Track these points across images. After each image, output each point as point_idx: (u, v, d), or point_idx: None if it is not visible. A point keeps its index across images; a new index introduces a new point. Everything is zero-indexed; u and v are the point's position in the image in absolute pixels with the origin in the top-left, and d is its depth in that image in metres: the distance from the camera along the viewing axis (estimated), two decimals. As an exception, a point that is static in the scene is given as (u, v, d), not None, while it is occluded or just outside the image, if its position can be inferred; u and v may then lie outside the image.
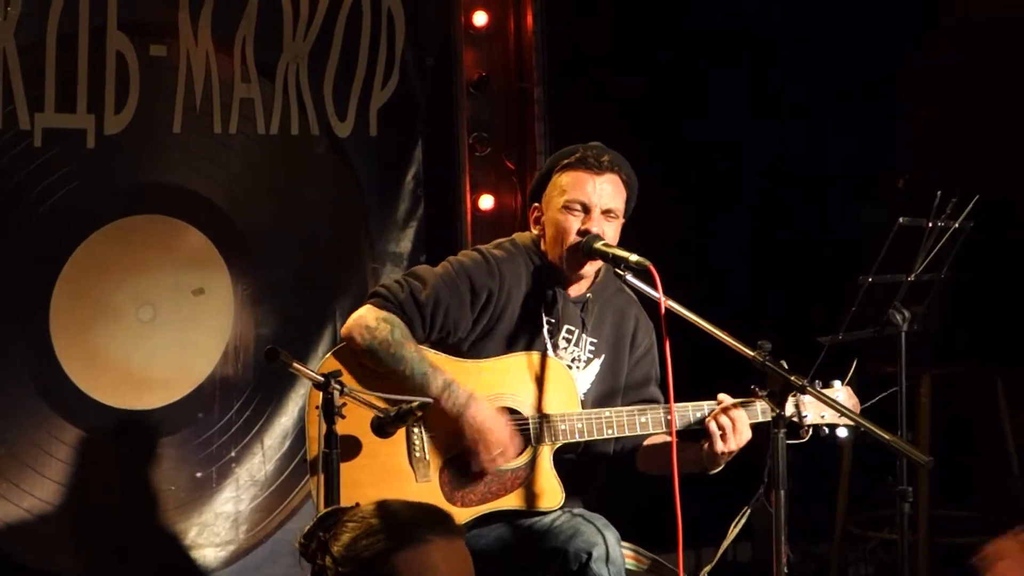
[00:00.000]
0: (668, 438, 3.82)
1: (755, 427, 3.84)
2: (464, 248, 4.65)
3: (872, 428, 3.36)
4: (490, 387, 3.90)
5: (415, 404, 3.54)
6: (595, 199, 3.91)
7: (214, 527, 4.99)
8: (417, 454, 3.82)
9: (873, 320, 4.71)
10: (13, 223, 4.59)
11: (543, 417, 3.88)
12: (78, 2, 4.63)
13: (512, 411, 3.90)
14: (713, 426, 3.80)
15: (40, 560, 4.67)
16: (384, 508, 2.43)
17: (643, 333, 4.13)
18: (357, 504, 2.49)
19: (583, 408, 3.96)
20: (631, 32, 5.97)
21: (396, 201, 5.38)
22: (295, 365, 3.44)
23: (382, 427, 3.62)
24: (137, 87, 4.76)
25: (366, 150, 5.30)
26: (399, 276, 4.02)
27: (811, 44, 6.28)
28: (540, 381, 3.91)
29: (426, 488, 3.81)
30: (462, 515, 3.82)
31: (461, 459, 3.84)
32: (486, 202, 5.57)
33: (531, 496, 3.90)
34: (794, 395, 3.46)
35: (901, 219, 4.63)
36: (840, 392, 3.99)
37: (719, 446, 3.79)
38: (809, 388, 3.45)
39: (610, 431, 3.89)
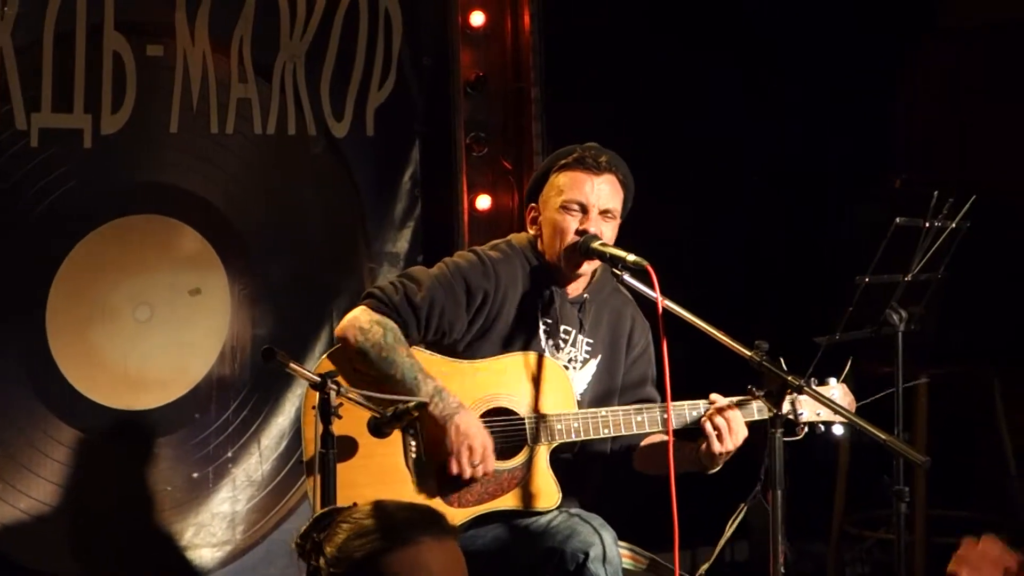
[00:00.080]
0: (665, 438, 3.82)
1: (751, 425, 3.85)
2: (461, 248, 4.66)
3: (869, 428, 3.36)
4: (486, 387, 3.90)
5: (411, 404, 3.54)
6: (593, 199, 3.91)
7: (211, 527, 4.98)
8: (413, 455, 3.82)
9: (870, 320, 4.70)
10: (10, 223, 4.59)
11: (539, 417, 3.89)
12: (75, 2, 4.62)
13: (508, 411, 3.90)
14: (709, 427, 3.81)
15: (37, 560, 4.66)
16: (378, 509, 2.43)
17: (639, 333, 4.13)
18: (354, 504, 2.49)
19: (580, 408, 3.95)
20: (628, 32, 5.97)
21: (393, 201, 5.38)
22: (292, 365, 3.43)
23: (378, 427, 3.61)
24: (134, 87, 4.76)
25: (363, 150, 5.30)
26: (394, 277, 4.02)
27: (809, 44, 6.27)
28: (536, 381, 3.91)
29: (422, 489, 3.81)
30: (459, 516, 3.82)
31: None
32: (483, 202, 5.57)
33: (528, 496, 3.90)
34: (790, 394, 3.46)
35: (898, 219, 4.62)
36: (836, 389, 4.00)
37: (716, 446, 3.80)
38: (806, 388, 3.45)
39: (606, 431, 3.89)
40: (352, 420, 3.59)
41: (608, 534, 3.82)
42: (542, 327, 3.97)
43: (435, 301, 3.87)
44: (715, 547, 4.50)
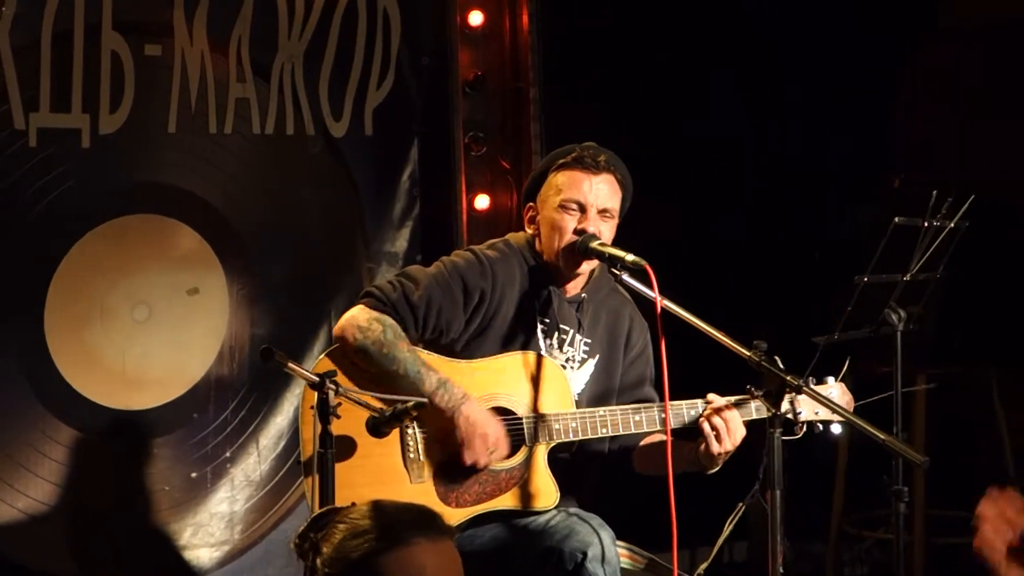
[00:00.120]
0: (664, 438, 3.82)
1: (750, 425, 3.85)
2: (460, 248, 4.65)
3: (867, 427, 3.35)
4: (484, 387, 3.90)
5: (410, 404, 3.53)
6: (591, 199, 3.91)
7: (209, 527, 4.98)
8: (411, 455, 3.82)
9: (869, 320, 4.71)
10: (8, 223, 4.58)
11: (538, 417, 3.88)
12: (73, 1, 4.62)
13: (506, 411, 3.90)
14: (707, 427, 3.81)
15: (35, 560, 4.66)
16: (375, 509, 2.43)
17: (638, 333, 4.13)
18: (353, 504, 2.49)
19: (578, 408, 3.95)
20: (627, 32, 5.97)
21: (392, 201, 5.38)
22: (290, 365, 3.43)
23: (377, 427, 3.61)
24: (132, 87, 4.76)
25: (362, 150, 5.29)
26: (392, 276, 4.02)
27: (809, 44, 6.28)
28: (534, 381, 3.90)
29: (420, 489, 3.80)
30: (457, 515, 3.82)
31: (454, 458, 3.84)
32: (482, 202, 5.57)
33: (526, 496, 3.90)
34: (789, 393, 3.46)
35: (897, 219, 4.63)
36: (834, 389, 4.00)
37: (714, 447, 3.80)
38: (805, 388, 3.45)
39: (604, 430, 3.89)
40: (350, 420, 3.59)
41: (606, 534, 3.82)
42: (540, 327, 3.97)
43: (432, 300, 3.87)
44: (714, 547, 4.50)
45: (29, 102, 4.57)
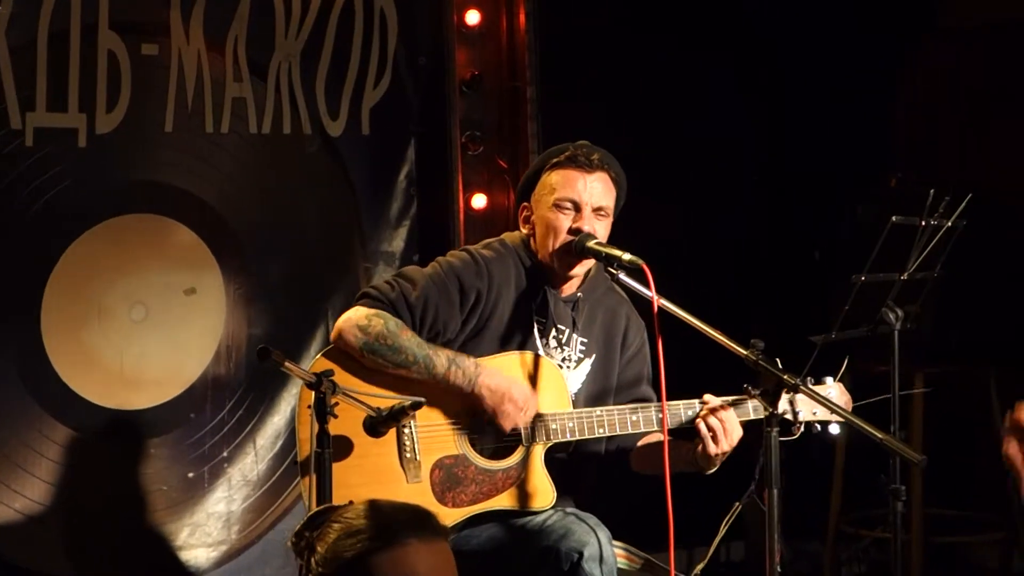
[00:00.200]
0: (662, 437, 3.82)
1: (748, 425, 3.84)
2: (457, 247, 4.65)
3: (865, 427, 3.35)
4: (482, 386, 3.90)
5: (408, 403, 3.53)
6: (586, 197, 3.90)
7: (206, 527, 4.98)
8: (408, 454, 3.81)
9: (866, 319, 4.70)
10: (5, 223, 4.58)
11: (535, 416, 3.88)
12: (69, 1, 4.61)
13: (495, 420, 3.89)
14: (703, 428, 3.80)
15: (31, 560, 4.65)
16: (370, 509, 2.43)
17: (634, 332, 4.12)
18: (350, 503, 2.49)
19: (574, 408, 3.95)
20: (625, 31, 5.97)
21: (389, 200, 5.38)
22: (287, 364, 3.42)
23: (374, 427, 3.61)
24: (129, 86, 4.75)
25: (358, 149, 5.29)
26: (389, 277, 4.02)
27: (809, 44, 6.27)
28: (531, 380, 3.90)
29: (417, 489, 3.80)
30: (453, 515, 3.82)
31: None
32: (479, 201, 5.57)
33: (523, 496, 3.90)
34: (787, 392, 3.46)
35: (894, 218, 4.62)
36: (832, 389, 4.00)
37: (711, 448, 3.79)
38: (802, 387, 3.45)
39: (601, 430, 3.89)
40: (347, 420, 3.59)
41: (603, 533, 3.81)
42: (536, 326, 3.96)
43: (429, 300, 3.87)
44: (710, 547, 4.49)
45: (25, 102, 4.56)
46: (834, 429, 3.95)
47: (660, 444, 3.83)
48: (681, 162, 6.01)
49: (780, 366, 3.44)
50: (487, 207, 5.58)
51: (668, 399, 3.76)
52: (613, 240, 3.93)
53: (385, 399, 3.59)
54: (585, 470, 4.09)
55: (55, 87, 4.61)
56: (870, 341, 4.74)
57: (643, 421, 3.90)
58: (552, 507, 3.91)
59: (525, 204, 4.03)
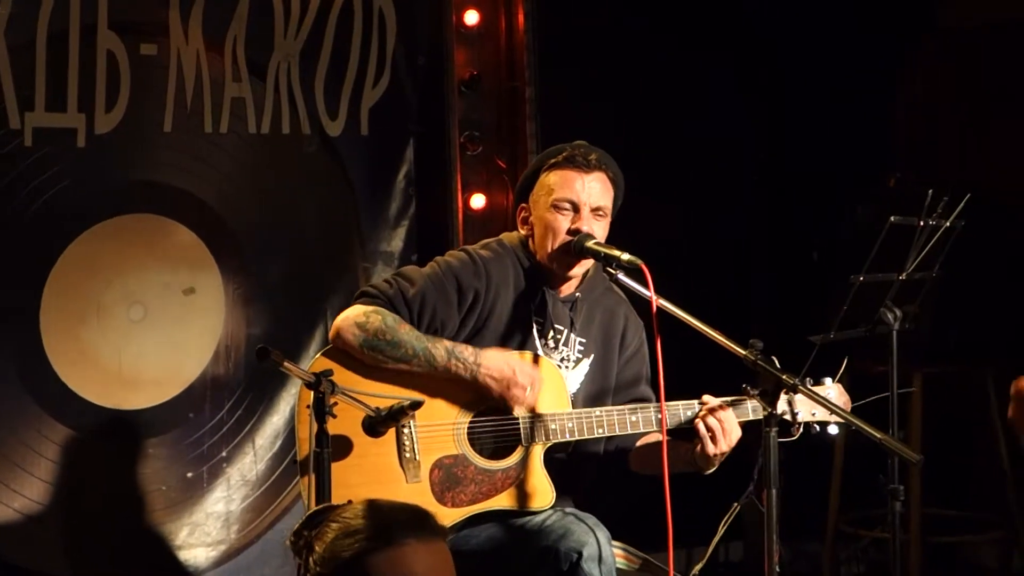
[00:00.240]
0: (661, 437, 3.82)
1: (746, 425, 3.84)
2: (455, 247, 4.65)
3: (863, 426, 3.35)
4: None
5: (407, 403, 3.53)
6: (584, 197, 3.90)
7: (205, 527, 4.98)
8: (407, 454, 3.81)
9: (864, 319, 4.71)
10: (4, 222, 4.58)
11: (534, 417, 3.88)
12: (68, 1, 4.61)
13: (503, 410, 3.89)
14: (702, 428, 3.80)
15: (30, 560, 4.65)
16: (368, 509, 2.43)
17: (632, 332, 4.12)
18: (348, 502, 2.49)
19: (573, 408, 3.95)
20: (624, 31, 5.97)
21: (387, 200, 5.38)
22: (286, 364, 3.42)
23: (373, 426, 3.61)
24: (128, 86, 4.76)
25: (357, 149, 5.29)
26: (387, 276, 4.02)
27: (809, 44, 6.27)
28: (531, 380, 3.91)
29: (416, 488, 3.80)
30: (452, 515, 3.82)
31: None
32: (477, 201, 5.56)
33: (522, 496, 3.90)
34: (786, 393, 3.46)
35: (892, 218, 4.63)
36: (831, 389, 4.00)
37: (710, 448, 3.79)
38: (801, 387, 3.45)
39: (600, 430, 3.89)
40: (347, 419, 3.59)
41: (602, 533, 3.81)
42: (535, 327, 3.96)
43: (427, 298, 3.87)
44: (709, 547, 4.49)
45: (25, 101, 4.56)
46: (832, 429, 3.95)
47: (659, 444, 3.83)
48: (681, 162, 6.00)
49: (778, 366, 3.44)
50: (486, 207, 5.58)
51: (667, 399, 3.76)
52: (612, 240, 3.93)
53: (384, 399, 3.59)
54: (584, 470, 4.09)
55: (54, 87, 4.61)
56: (868, 341, 4.75)
57: (642, 421, 3.90)
58: (551, 507, 3.91)
59: (523, 205, 4.03)
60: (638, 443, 4.06)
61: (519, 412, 3.88)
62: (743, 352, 3.44)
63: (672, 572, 3.70)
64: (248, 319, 5.07)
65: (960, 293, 5.44)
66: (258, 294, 5.09)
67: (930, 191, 4.64)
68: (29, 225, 4.62)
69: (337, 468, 3.50)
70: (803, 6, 6.22)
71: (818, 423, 3.92)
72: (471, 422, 3.89)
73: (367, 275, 5.28)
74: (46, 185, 4.63)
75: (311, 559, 2.41)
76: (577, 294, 4.03)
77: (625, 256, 3.72)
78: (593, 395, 4.05)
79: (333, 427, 3.42)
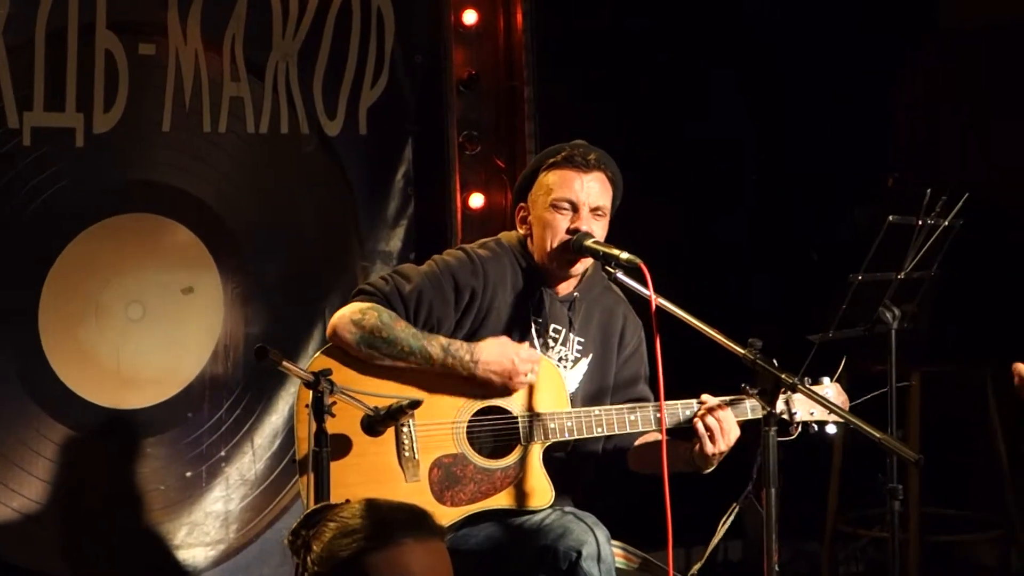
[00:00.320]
0: (659, 437, 3.82)
1: (744, 424, 3.84)
2: (453, 247, 4.64)
3: (862, 426, 3.35)
4: (479, 385, 3.89)
5: (406, 403, 3.53)
6: (583, 197, 3.90)
7: (204, 526, 4.98)
8: (406, 453, 3.81)
9: (863, 318, 4.71)
10: (2, 222, 4.59)
11: (533, 416, 3.88)
12: (67, 1, 4.62)
13: (501, 410, 3.89)
14: (701, 427, 3.80)
15: (29, 560, 4.66)
16: (366, 508, 2.43)
17: (631, 332, 4.12)
18: (347, 501, 2.49)
19: (572, 407, 3.95)
20: (623, 30, 5.97)
21: (386, 200, 5.38)
22: (285, 363, 3.43)
23: (372, 426, 3.61)
24: (126, 86, 4.76)
25: (356, 149, 5.30)
26: (384, 273, 4.02)
27: (809, 44, 6.28)
28: (528, 380, 3.91)
29: (415, 488, 3.80)
30: (451, 514, 3.82)
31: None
32: (476, 200, 5.57)
33: (521, 495, 3.89)
34: (784, 392, 3.46)
35: (891, 217, 4.63)
36: (829, 389, 3.99)
37: (708, 447, 3.79)
38: (800, 386, 3.45)
39: (600, 429, 3.89)
40: (345, 418, 3.59)
41: (601, 532, 3.81)
42: (533, 326, 3.96)
43: (423, 295, 3.87)
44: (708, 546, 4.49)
45: (23, 101, 4.57)
46: (831, 429, 3.95)
47: (658, 443, 3.83)
48: (681, 162, 6.01)
49: (776, 365, 3.44)
50: (484, 207, 5.58)
51: (666, 399, 3.76)
52: (612, 240, 3.92)
53: (383, 398, 3.59)
54: (583, 469, 4.09)
55: (52, 86, 4.62)
56: (867, 340, 4.75)
57: (641, 420, 3.90)
58: (550, 506, 3.91)
59: (522, 204, 4.03)
60: (636, 442, 4.06)
61: (518, 411, 3.88)
62: (742, 351, 3.44)
63: (671, 571, 3.70)
64: (247, 318, 5.07)
65: (958, 292, 5.44)
66: (257, 293, 5.09)
67: (928, 190, 4.65)
68: (27, 225, 4.62)
69: (336, 467, 3.50)
70: (803, 7, 6.22)
71: (816, 422, 3.92)
72: (470, 421, 3.89)
73: (366, 274, 5.28)
74: (44, 185, 4.63)
75: (309, 558, 2.41)
76: (575, 294, 4.03)
77: (624, 255, 3.72)
78: (592, 394, 4.05)
79: (332, 426, 3.42)
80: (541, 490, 3.90)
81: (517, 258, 3.99)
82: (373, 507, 2.44)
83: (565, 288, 4.02)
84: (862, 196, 5.90)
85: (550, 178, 3.94)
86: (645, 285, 3.66)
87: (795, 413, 3.86)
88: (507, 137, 5.62)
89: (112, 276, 4.81)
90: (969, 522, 6.09)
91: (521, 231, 4.03)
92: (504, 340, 3.87)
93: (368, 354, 3.80)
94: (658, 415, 3.85)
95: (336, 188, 5.27)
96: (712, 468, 3.86)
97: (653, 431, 3.96)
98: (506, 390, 3.86)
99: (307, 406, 3.43)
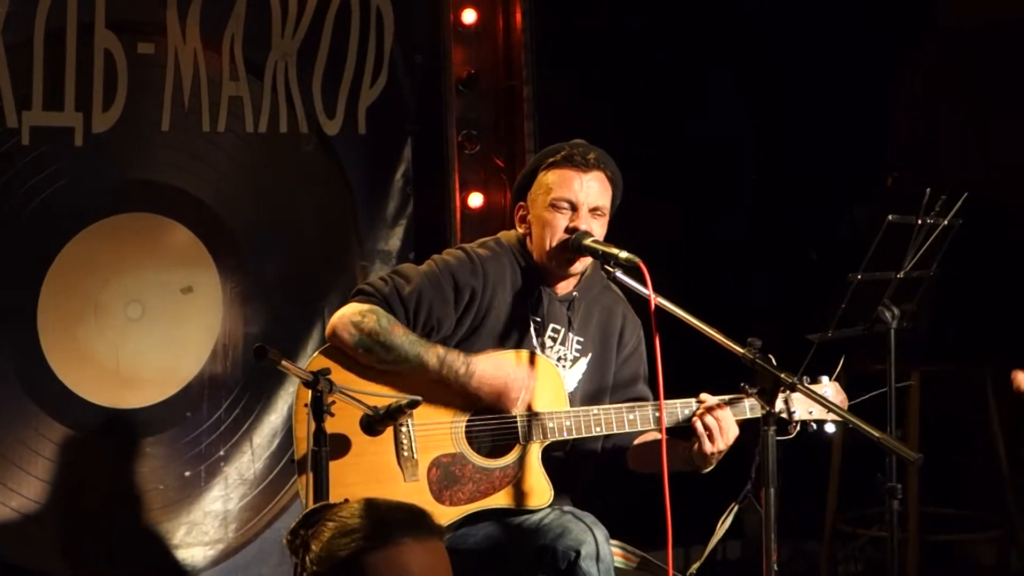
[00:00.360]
0: (658, 436, 3.81)
1: (744, 424, 3.84)
2: (452, 246, 4.64)
3: (861, 425, 3.35)
4: (478, 385, 3.89)
5: (404, 402, 3.53)
6: (582, 197, 3.90)
7: (203, 526, 4.98)
8: (405, 453, 3.81)
9: (863, 317, 4.71)
10: (1, 221, 4.58)
11: (531, 415, 3.88)
12: (66, 0, 4.61)
13: (500, 409, 3.89)
14: (699, 426, 3.79)
15: (27, 559, 4.66)
16: (365, 508, 2.43)
17: (630, 331, 4.12)
18: (345, 501, 2.49)
19: (571, 406, 3.95)
20: (621, 29, 5.97)
21: (385, 199, 5.38)
22: (284, 363, 3.42)
23: (371, 425, 3.61)
24: (125, 85, 4.76)
25: (355, 148, 5.29)
26: (383, 273, 4.02)
27: (809, 44, 6.27)
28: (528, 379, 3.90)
29: (414, 487, 3.80)
30: (450, 514, 3.81)
31: (492, 409, 3.86)
32: (475, 200, 5.56)
33: (519, 494, 3.89)
34: (783, 391, 3.45)
35: (890, 216, 4.63)
36: (828, 388, 3.99)
37: (707, 446, 3.79)
38: (799, 385, 3.45)
39: (598, 428, 3.89)
40: (344, 418, 3.59)
41: (600, 532, 3.81)
42: (532, 325, 3.96)
43: (423, 296, 3.87)
44: (707, 546, 4.49)
45: (22, 100, 4.57)
46: (830, 428, 3.95)
47: (656, 443, 3.83)
48: (680, 161, 6.00)
49: (775, 365, 3.43)
50: (483, 206, 5.58)
51: (665, 398, 3.76)
52: (611, 240, 3.92)
53: (382, 398, 3.59)
54: (582, 469, 4.09)
55: (51, 86, 4.62)
56: (866, 339, 4.75)
57: (640, 420, 3.90)
58: (549, 505, 3.91)
59: (521, 203, 4.03)
60: (635, 441, 4.06)
61: (517, 411, 3.88)
62: (741, 350, 3.44)
63: (671, 571, 3.70)
64: (246, 318, 5.07)
65: (958, 292, 5.44)
66: (256, 293, 5.09)
67: (928, 190, 4.65)
68: (26, 224, 4.62)
69: (335, 466, 3.50)
70: (803, 6, 6.22)
71: (815, 421, 3.92)
72: (469, 421, 3.89)
73: (365, 274, 5.28)
74: (43, 184, 4.63)
75: (308, 558, 2.41)
76: (575, 293, 4.03)
77: (623, 254, 3.72)
78: (591, 394, 4.05)
79: (331, 426, 3.42)
80: (540, 489, 3.90)
81: (516, 257, 3.99)
82: (372, 507, 2.43)
83: (564, 287, 4.02)
84: (861, 195, 5.90)
85: (549, 177, 3.94)
86: (644, 284, 3.66)
87: (794, 412, 3.86)
88: (506, 136, 5.61)
89: (111, 275, 4.81)
90: (968, 521, 6.09)
91: (520, 230, 4.03)
92: (500, 358, 3.86)
93: (365, 357, 3.80)
94: (657, 414, 3.85)
95: (335, 187, 5.27)
96: (711, 467, 3.86)
97: (652, 430, 3.95)
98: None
99: (306, 405, 3.43)
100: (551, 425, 3.88)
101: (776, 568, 3.44)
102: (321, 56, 5.17)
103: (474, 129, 5.53)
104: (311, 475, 3.41)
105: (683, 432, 3.87)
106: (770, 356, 3.45)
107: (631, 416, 3.89)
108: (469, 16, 5.52)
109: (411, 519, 2.41)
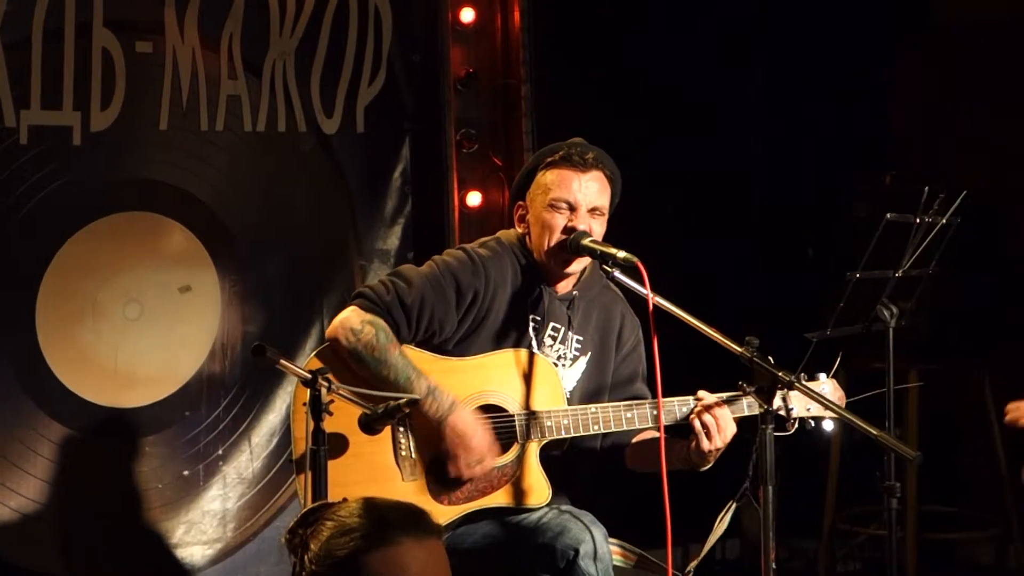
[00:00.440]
0: (657, 434, 3.81)
1: (741, 421, 3.84)
2: (452, 245, 4.64)
3: (859, 423, 3.35)
4: (475, 384, 3.89)
5: (403, 401, 3.53)
6: (581, 197, 3.89)
7: (201, 525, 4.98)
8: (403, 452, 3.81)
9: (861, 316, 4.71)
10: (-1, 221, 4.59)
11: (529, 414, 3.88)
12: (64, -1, 4.63)
13: (498, 408, 3.89)
14: (697, 424, 3.79)
15: (27, 559, 4.65)
16: (364, 507, 2.43)
17: (629, 330, 4.12)
18: (344, 500, 2.48)
19: (570, 405, 3.95)
20: (620, 29, 5.97)
21: (383, 198, 5.38)
22: (282, 362, 3.43)
23: (369, 424, 3.61)
24: (123, 84, 4.75)
25: (353, 147, 5.29)
26: (384, 276, 4.00)
27: (809, 44, 6.27)
28: (526, 378, 3.90)
29: (412, 486, 3.80)
30: (448, 513, 3.82)
31: (441, 462, 3.84)
32: (473, 199, 5.57)
33: (518, 493, 3.89)
34: (781, 389, 3.46)
35: (889, 215, 4.63)
36: (826, 385, 4.00)
37: (705, 444, 3.79)
38: (797, 384, 3.45)
39: (596, 427, 3.89)
40: (343, 417, 3.59)
41: (599, 531, 3.81)
42: (531, 324, 3.96)
43: (426, 301, 3.86)
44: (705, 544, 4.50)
45: (20, 99, 4.56)
46: (828, 426, 3.96)
47: (655, 441, 3.83)
48: (679, 160, 6.00)
49: (773, 363, 3.44)
50: (482, 205, 5.58)
51: (663, 396, 3.76)
52: (610, 239, 3.92)
53: (381, 397, 3.59)
54: (581, 467, 4.09)
55: (50, 85, 4.61)
56: (865, 338, 4.74)
57: (638, 418, 3.90)
58: (547, 504, 3.91)
59: (520, 203, 4.03)
60: (634, 440, 4.06)
61: (515, 409, 3.88)
62: (739, 349, 3.44)
63: (670, 570, 3.70)
64: (244, 317, 5.07)
65: (957, 290, 5.44)
66: (254, 292, 5.08)
67: (926, 188, 4.65)
68: (25, 223, 4.62)
69: (333, 466, 3.50)
70: (802, 5, 6.22)
71: (813, 419, 3.92)
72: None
73: (363, 273, 5.28)
74: (42, 183, 4.63)
75: (306, 557, 2.40)
76: (574, 292, 4.03)
77: (621, 254, 3.72)
78: (589, 392, 4.05)
79: (329, 425, 3.41)
80: (538, 488, 3.90)
81: (517, 256, 3.99)
82: (371, 506, 2.43)
83: (564, 286, 4.02)
84: (860, 194, 5.90)
85: (548, 177, 3.93)
86: (642, 283, 3.66)
87: (791, 409, 3.86)
88: (504, 135, 5.62)
89: (110, 275, 4.81)
90: (967, 520, 6.10)
91: (519, 229, 4.03)
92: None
93: (356, 365, 3.79)
94: (655, 412, 3.84)
95: (333, 186, 5.27)
96: (709, 465, 3.86)
97: (650, 429, 3.95)
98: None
99: (304, 404, 3.43)
100: (549, 424, 3.88)
101: (774, 566, 3.44)
102: (319, 55, 5.17)
103: (472, 128, 5.53)
104: (309, 474, 3.40)
105: (681, 430, 3.87)
106: (768, 355, 3.46)
107: (629, 415, 3.89)
108: (467, 15, 5.52)
109: (410, 518, 2.41)
